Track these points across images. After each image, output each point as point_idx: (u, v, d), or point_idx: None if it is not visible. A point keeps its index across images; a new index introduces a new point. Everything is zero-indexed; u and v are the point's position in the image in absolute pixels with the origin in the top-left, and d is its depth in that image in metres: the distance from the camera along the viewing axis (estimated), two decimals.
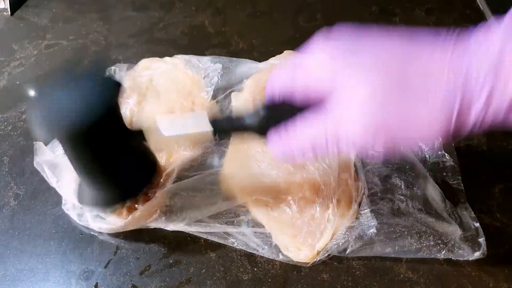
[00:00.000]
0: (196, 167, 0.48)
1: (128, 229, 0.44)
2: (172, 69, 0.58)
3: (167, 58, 0.59)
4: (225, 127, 0.38)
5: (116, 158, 0.38)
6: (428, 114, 0.27)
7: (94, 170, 0.38)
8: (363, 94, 0.28)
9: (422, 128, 0.28)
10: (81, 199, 0.42)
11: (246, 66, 0.58)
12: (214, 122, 0.37)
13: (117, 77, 0.57)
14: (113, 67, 0.58)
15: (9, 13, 0.72)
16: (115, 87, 0.36)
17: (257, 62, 0.59)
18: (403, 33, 0.29)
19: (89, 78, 0.36)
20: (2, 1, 0.72)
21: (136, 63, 0.59)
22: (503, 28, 0.26)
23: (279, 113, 0.34)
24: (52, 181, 0.46)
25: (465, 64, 0.26)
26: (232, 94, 0.55)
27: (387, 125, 0.28)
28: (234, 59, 0.59)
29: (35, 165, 0.47)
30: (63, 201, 0.45)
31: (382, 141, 0.29)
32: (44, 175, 0.46)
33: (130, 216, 0.42)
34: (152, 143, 0.38)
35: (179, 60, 0.59)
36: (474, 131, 0.28)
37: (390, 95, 0.27)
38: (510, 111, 0.26)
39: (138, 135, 0.37)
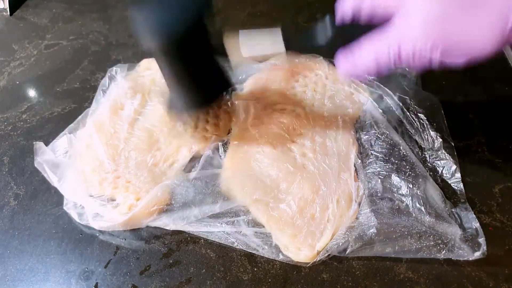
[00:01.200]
0: (196, 167, 0.48)
1: (128, 228, 0.44)
2: None
3: None
4: (297, 47, 0.41)
5: (202, 66, 0.43)
6: (486, 24, 0.30)
7: (182, 75, 0.43)
8: (425, 8, 0.31)
9: (480, 36, 0.30)
10: (169, 108, 0.49)
11: (246, 66, 0.58)
12: (287, 42, 0.40)
13: (118, 77, 0.57)
14: (114, 68, 0.58)
15: (9, 13, 0.72)
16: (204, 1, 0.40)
17: (257, 62, 0.58)
18: None
19: None
20: (2, 1, 0.72)
21: (136, 63, 0.59)
22: None
23: (347, 32, 0.37)
24: (53, 180, 0.46)
25: None
26: (233, 94, 0.55)
27: (447, 32, 0.30)
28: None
29: (36, 165, 0.47)
30: (65, 201, 0.45)
31: (441, 48, 0.31)
32: (45, 175, 0.46)
33: (131, 213, 0.43)
34: (232, 58, 0.42)
35: None
36: None
37: (449, 10, 0.30)
38: None
39: (221, 50, 0.41)
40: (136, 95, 0.54)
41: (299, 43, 0.41)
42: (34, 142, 0.48)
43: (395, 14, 0.33)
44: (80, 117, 0.53)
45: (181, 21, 0.37)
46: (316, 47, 0.39)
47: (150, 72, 0.58)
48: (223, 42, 0.41)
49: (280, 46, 0.40)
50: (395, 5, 0.33)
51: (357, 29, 0.36)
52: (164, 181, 0.46)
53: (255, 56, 0.42)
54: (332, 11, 0.39)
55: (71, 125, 0.52)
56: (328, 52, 0.39)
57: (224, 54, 0.42)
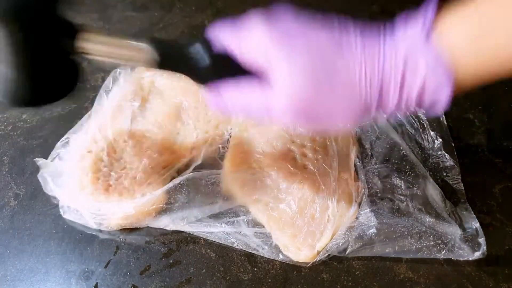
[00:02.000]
0: (196, 167, 0.48)
1: (127, 227, 0.44)
2: None
3: None
4: (167, 56, 0.37)
5: (46, 54, 0.37)
6: (347, 106, 0.32)
7: (22, 60, 0.35)
8: (291, 80, 0.31)
9: (340, 117, 0.32)
10: (5, 96, 0.37)
11: None
12: (157, 44, 0.37)
13: (122, 80, 0.56)
14: (118, 70, 0.58)
15: None
16: None
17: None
18: (338, 25, 0.33)
19: None
20: None
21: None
22: (408, 36, 0.30)
23: (222, 64, 0.34)
24: (53, 189, 0.46)
25: (380, 65, 0.30)
26: None
27: (308, 110, 0.32)
28: None
29: (39, 178, 0.46)
30: (60, 204, 0.45)
31: (304, 122, 0.33)
32: (47, 187, 0.46)
33: (129, 211, 0.43)
34: (85, 48, 0.37)
35: None
36: (388, 115, 0.33)
37: (314, 85, 0.31)
38: (420, 98, 0.31)
39: (71, 36, 0.36)
40: (136, 97, 0.54)
41: (171, 48, 0.37)
42: (35, 159, 0.48)
43: (265, 74, 0.33)
44: (84, 118, 0.53)
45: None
46: (191, 68, 0.36)
47: (150, 73, 0.58)
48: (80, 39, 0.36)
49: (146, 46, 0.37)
50: (264, 66, 0.33)
51: (233, 65, 0.34)
52: (162, 183, 0.46)
53: (113, 51, 0.37)
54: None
55: (74, 128, 0.52)
56: (200, 77, 0.36)
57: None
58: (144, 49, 0.37)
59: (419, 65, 0.30)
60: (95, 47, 0.37)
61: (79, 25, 0.36)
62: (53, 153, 0.49)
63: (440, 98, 0.31)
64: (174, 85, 0.56)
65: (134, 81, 0.56)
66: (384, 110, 0.32)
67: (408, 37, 0.30)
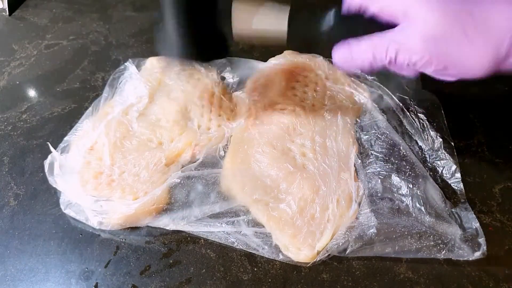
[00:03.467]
0: (196, 167, 0.48)
1: (127, 226, 0.44)
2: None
3: None
4: (299, 30, 0.41)
5: (205, 17, 0.43)
6: (482, 51, 0.32)
7: (185, 15, 0.42)
8: (428, 25, 0.32)
9: (473, 62, 0.33)
10: (161, 45, 0.46)
11: (246, 66, 0.58)
12: (290, 23, 0.40)
13: (129, 77, 0.57)
14: (126, 63, 0.58)
15: (7, 13, 0.72)
16: None
17: (257, 62, 0.59)
18: None
19: None
20: (1, 1, 0.72)
21: (137, 62, 0.59)
22: None
23: (350, 27, 0.38)
24: (56, 181, 0.46)
25: None
26: (233, 94, 0.56)
27: (443, 53, 0.33)
28: (235, 59, 0.59)
29: (50, 182, 0.46)
30: (61, 200, 0.45)
31: (434, 61, 0.34)
32: (51, 178, 0.46)
33: (130, 210, 0.43)
34: (234, 26, 0.43)
35: None
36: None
37: (450, 32, 0.32)
38: None
39: (226, 15, 0.42)
40: (142, 95, 0.54)
41: (302, 26, 0.41)
42: (44, 161, 0.48)
43: (399, 21, 0.35)
44: (87, 112, 0.53)
45: None
46: (317, 35, 0.40)
47: (157, 71, 0.58)
48: (230, 8, 0.42)
49: (283, 25, 0.40)
50: (400, 13, 0.34)
51: (360, 25, 0.37)
52: (164, 182, 0.46)
53: (256, 30, 0.41)
54: (339, 4, 0.39)
55: (77, 124, 0.52)
56: (328, 42, 0.39)
57: (228, 21, 0.42)
58: (281, 31, 0.41)
59: None
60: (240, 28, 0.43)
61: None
62: (59, 146, 0.49)
63: None
64: (180, 84, 0.56)
65: (142, 78, 0.56)
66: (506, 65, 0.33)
67: None
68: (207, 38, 0.44)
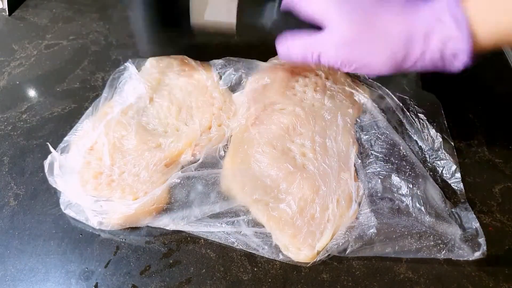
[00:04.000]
0: (196, 167, 0.48)
1: (127, 226, 0.44)
2: (186, 64, 0.59)
3: (173, 58, 0.60)
4: (247, 22, 0.48)
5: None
6: (383, 55, 0.40)
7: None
8: (342, 31, 0.41)
9: (378, 64, 0.41)
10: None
11: (246, 66, 0.58)
12: (240, 13, 0.47)
13: (129, 77, 0.57)
14: (126, 64, 0.58)
15: (7, 13, 0.72)
16: None
17: (257, 62, 0.58)
18: None
19: None
20: (1, 1, 0.72)
21: (138, 62, 0.59)
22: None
23: (290, 20, 0.45)
24: (56, 181, 0.46)
25: (412, 23, 0.38)
26: (233, 94, 0.56)
27: (352, 49, 0.41)
28: (235, 59, 0.59)
29: (50, 183, 0.46)
30: (61, 200, 0.45)
31: (347, 59, 0.42)
32: (51, 179, 0.46)
33: (130, 210, 0.43)
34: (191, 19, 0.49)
35: (185, 59, 0.59)
36: (415, 66, 0.40)
37: (358, 29, 0.40)
38: (443, 48, 0.38)
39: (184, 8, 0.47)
40: (143, 95, 0.54)
41: (248, 18, 0.47)
42: (44, 161, 0.48)
43: (323, 25, 0.42)
44: (88, 112, 0.53)
45: None
46: (262, 26, 0.46)
47: (157, 71, 0.58)
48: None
49: (232, 16, 0.47)
50: (321, 19, 0.42)
51: (297, 20, 0.44)
52: (164, 182, 0.46)
53: (209, 21, 0.47)
54: None
55: (77, 125, 0.52)
56: (271, 34, 0.46)
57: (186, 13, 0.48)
58: (229, 23, 0.48)
59: (445, 20, 0.37)
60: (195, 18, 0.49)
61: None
62: (59, 146, 0.49)
63: (461, 49, 0.37)
64: (180, 85, 0.56)
65: (142, 79, 0.56)
66: (411, 60, 0.39)
67: (441, 2, 0.38)
68: (169, 8, 0.48)
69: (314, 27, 0.43)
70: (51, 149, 0.48)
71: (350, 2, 0.40)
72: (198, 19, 0.49)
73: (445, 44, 0.37)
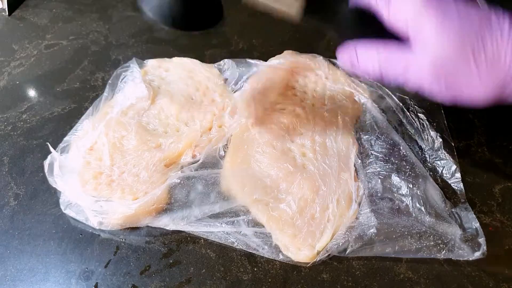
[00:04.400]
0: (196, 167, 0.48)
1: (127, 226, 0.44)
2: (186, 64, 0.59)
3: (175, 59, 0.60)
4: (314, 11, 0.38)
5: None
6: (486, 83, 0.32)
7: None
8: (438, 44, 0.32)
9: (480, 95, 0.33)
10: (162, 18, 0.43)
11: (246, 66, 0.58)
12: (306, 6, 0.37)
13: (130, 77, 0.57)
14: (129, 63, 0.58)
15: (7, 13, 0.72)
16: None
17: (257, 62, 0.59)
18: (485, 6, 0.34)
19: None
20: (0, 1, 0.72)
21: (139, 61, 0.59)
22: None
23: (365, 21, 0.36)
24: (56, 181, 0.46)
25: None
26: (233, 94, 0.56)
27: (449, 76, 0.33)
28: (235, 59, 0.59)
29: (50, 183, 0.46)
30: (60, 200, 0.45)
31: (440, 87, 0.34)
32: (51, 179, 0.46)
33: (130, 210, 0.43)
34: None
35: (187, 60, 0.59)
36: None
37: (460, 53, 0.32)
38: None
39: None
40: (143, 95, 0.54)
41: (318, 11, 0.38)
42: (44, 162, 0.48)
43: (408, 35, 0.34)
44: (88, 111, 0.53)
45: None
46: (328, 21, 0.38)
47: (158, 71, 0.58)
48: None
49: (293, 9, 0.38)
50: (411, 30, 0.34)
51: (371, 26, 0.35)
52: (164, 182, 0.46)
53: (264, 3, 0.39)
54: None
55: (77, 125, 0.52)
56: (337, 35, 0.38)
57: None
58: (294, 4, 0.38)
59: None
60: None
61: None
62: (59, 146, 0.49)
63: None
64: (181, 85, 0.56)
65: (142, 79, 0.56)
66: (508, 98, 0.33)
67: None
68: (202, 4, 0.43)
69: (393, 37, 0.35)
70: (51, 149, 0.48)
71: (452, 18, 0.32)
72: None
73: None
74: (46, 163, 0.47)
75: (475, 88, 0.33)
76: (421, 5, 0.33)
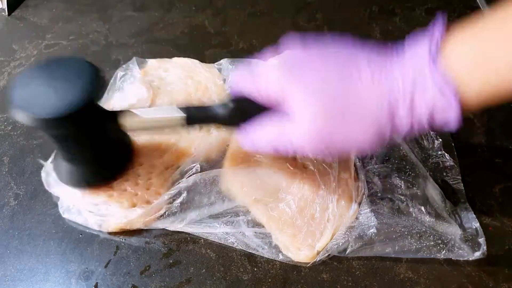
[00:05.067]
0: (196, 168, 0.48)
1: (127, 229, 0.44)
2: (186, 64, 0.59)
3: (175, 59, 0.60)
4: (196, 115, 0.40)
5: (94, 140, 0.41)
6: (362, 132, 0.33)
7: (72, 150, 0.41)
8: (306, 113, 0.33)
9: (357, 142, 0.33)
10: (59, 176, 0.45)
11: (247, 66, 0.58)
12: (186, 109, 0.39)
13: (130, 80, 0.57)
14: (129, 63, 0.58)
15: (7, 13, 0.72)
16: (94, 72, 0.38)
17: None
18: (345, 48, 0.34)
19: (68, 64, 0.38)
20: (0, 1, 0.72)
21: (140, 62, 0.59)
22: (416, 58, 0.31)
23: (244, 107, 0.38)
24: (54, 187, 0.46)
25: (390, 88, 0.31)
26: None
27: (326, 139, 0.33)
28: (235, 59, 0.59)
29: (41, 175, 0.47)
30: (59, 204, 0.45)
31: (324, 150, 0.34)
32: (49, 185, 0.46)
33: (128, 219, 0.43)
34: (127, 127, 0.40)
35: (187, 60, 0.59)
36: (404, 136, 0.33)
37: (328, 115, 0.33)
38: (431, 119, 0.31)
39: (113, 118, 0.40)
40: (144, 96, 0.54)
41: (198, 111, 0.41)
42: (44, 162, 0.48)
43: (284, 108, 0.35)
44: None
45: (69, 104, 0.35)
46: (217, 117, 0.39)
47: (158, 71, 0.58)
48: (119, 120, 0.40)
49: (178, 112, 0.39)
50: (281, 101, 0.35)
51: (254, 104, 0.37)
52: (164, 184, 0.46)
53: (151, 121, 0.40)
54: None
55: None
56: (228, 123, 0.40)
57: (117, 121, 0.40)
58: (176, 117, 0.40)
59: (427, 86, 0.30)
60: (134, 124, 0.40)
61: (118, 111, 0.40)
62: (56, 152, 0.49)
63: (450, 117, 0.31)
64: (181, 86, 0.56)
65: (143, 79, 0.56)
66: (398, 133, 0.33)
67: (416, 59, 0.31)
68: (109, 160, 0.45)
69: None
70: (43, 163, 0.48)
71: (312, 77, 0.33)
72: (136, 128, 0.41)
73: (432, 114, 0.31)
74: (43, 174, 0.47)
75: (352, 140, 0.33)
76: (281, 79, 0.34)
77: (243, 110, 0.38)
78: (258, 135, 0.38)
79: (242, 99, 0.37)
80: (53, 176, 0.46)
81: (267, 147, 0.37)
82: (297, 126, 0.34)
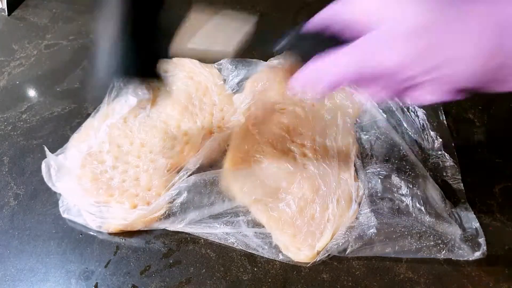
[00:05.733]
0: (197, 168, 0.47)
1: (127, 230, 0.44)
2: (186, 64, 0.59)
3: (174, 59, 0.60)
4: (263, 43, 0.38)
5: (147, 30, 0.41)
6: (469, 43, 0.27)
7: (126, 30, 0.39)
8: (413, 16, 0.27)
9: (469, 58, 0.27)
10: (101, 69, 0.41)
11: (246, 66, 0.58)
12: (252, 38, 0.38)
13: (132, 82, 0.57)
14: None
15: (7, 13, 0.72)
16: None
17: (257, 62, 0.59)
18: None
19: None
20: (0, 1, 0.72)
21: None
22: None
23: (312, 43, 0.34)
24: (55, 183, 0.46)
25: (502, 12, 0.26)
26: (234, 95, 0.55)
27: (427, 53, 0.27)
28: (235, 59, 0.59)
29: (42, 170, 0.46)
30: (60, 204, 0.45)
31: (426, 67, 0.28)
32: (47, 177, 0.46)
33: (128, 220, 0.43)
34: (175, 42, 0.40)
35: (187, 60, 0.59)
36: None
37: (439, 23, 0.27)
38: None
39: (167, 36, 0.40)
40: (145, 97, 0.54)
41: (265, 41, 0.38)
42: (43, 161, 0.48)
43: (368, 30, 0.30)
44: (88, 119, 0.53)
45: None
46: (279, 50, 0.37)
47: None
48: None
49: (231, 45, 0.38)
50: (372, 21, 0.30)
51: (318, 44, 0.33)
52: (164, 185, 0.46)
53: (197, 50, 0.39)
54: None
55: (79, 129, 0.52)
56: (293, 55, 0.37)
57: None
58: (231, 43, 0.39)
59: None
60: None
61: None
62: (58, 152, 0.49)
63: None
64: (183, 86, 0.56)
65: (145, 80, 0.56)
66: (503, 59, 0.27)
67: None
68: (149, 48, 0.43)
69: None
70: (47, 152, 0.48)
71: None
72: (179, 47, 0.41)
73: None
74: (43, 167, 0.47)
75: (461, 49, 0.27)
76: None
77: (309, 45, 0.34)
78: (326, 60, 0.31)
79: (309, 36, 0.34)
80: (53, 169, 0.46)
81: (345, 74, 0.31)
82: (391, 28, 0.28)
